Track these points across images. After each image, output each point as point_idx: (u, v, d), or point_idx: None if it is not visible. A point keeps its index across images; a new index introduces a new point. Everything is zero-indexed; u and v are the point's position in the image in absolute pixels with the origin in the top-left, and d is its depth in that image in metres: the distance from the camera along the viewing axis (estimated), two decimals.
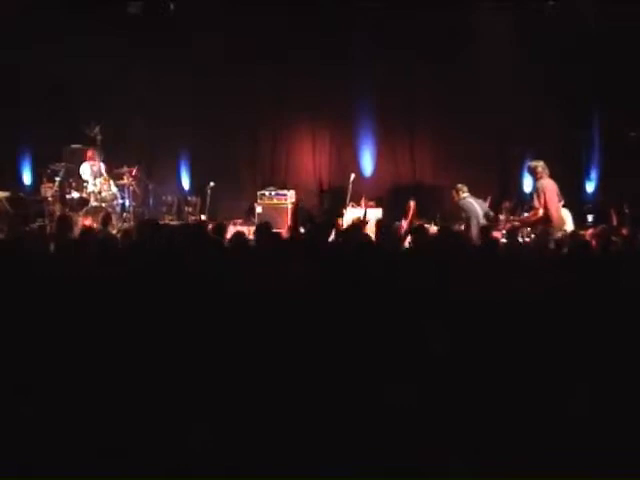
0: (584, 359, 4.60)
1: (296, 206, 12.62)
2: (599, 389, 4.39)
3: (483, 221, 11.15)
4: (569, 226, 10.93)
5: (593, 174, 14.33)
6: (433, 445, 4.08)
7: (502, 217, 12.18)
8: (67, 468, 3.88)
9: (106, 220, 10.64)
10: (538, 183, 10.66)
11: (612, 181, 13.70)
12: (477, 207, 11.51)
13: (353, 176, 13.28)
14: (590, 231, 9.66)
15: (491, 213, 11.53)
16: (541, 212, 10.46)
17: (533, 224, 10.85)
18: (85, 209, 12.85)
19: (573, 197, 12.89)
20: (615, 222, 11.64)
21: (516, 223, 11.30)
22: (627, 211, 12.25)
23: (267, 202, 14.18)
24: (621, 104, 13.29)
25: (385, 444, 4.04)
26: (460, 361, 4.65)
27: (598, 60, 13.61)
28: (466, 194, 11.62)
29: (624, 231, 10.16)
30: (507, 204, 13.36)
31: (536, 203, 10.51)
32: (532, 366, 4.58)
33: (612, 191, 13.39)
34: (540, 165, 10.74)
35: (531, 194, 11.08)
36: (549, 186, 10.62)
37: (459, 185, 11.81)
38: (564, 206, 11.18)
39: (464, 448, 4.06)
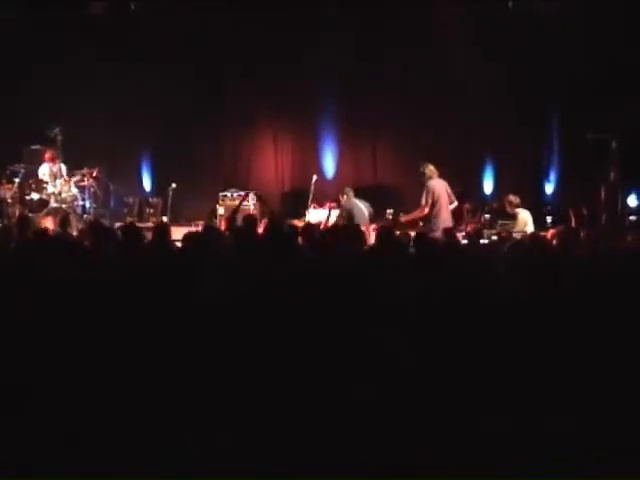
0: (547, 363, 4.56)
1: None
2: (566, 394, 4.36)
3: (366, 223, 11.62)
4: (530, 227, 11.02)
5: (552, 176, 14.49)
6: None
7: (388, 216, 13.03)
8: (67, 468, 3.89)
9: (65, 222, 10.46)
10: (427, 183, 11.17)
11: (571, 183, 13.89)
12: (364, 209, 12.08)
13: (315, 178, 13.23)
14: (551, 232, 9.65)
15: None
16: (426, 210, 11.10)
17: (418, 221, 11.52)
18: (45, 210, 12.70)
19: (533, 198, 13.24)
20: (574, 223, 12.10)
21: (404, 219, 11.92)
22: (585, 212, 12.51)
23: (229, 203, 14.08)
24: (579, 106, 13.42)
25: (381, 444, 4.06)
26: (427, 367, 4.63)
27: (557, 62, 13.76)
28: (352, 196, 12.19)
29: (583, 233, 10.30)
30: (468, 205, 13.73)
31: (423, 201, 11.10)
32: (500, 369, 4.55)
33: (571, 193, 13.63)
34: (428, 167, 11.30)
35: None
36: (438, 186, 11.19)
37: (346, 188, 12.41)
38: (527, 208, 11.43)
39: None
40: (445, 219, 11.03)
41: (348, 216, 11.72)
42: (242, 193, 13.77)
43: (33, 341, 4.73)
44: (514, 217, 11.38)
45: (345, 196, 12.26)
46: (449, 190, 11.38)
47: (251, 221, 8.37)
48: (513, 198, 11.39)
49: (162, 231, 7.59)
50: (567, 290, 5.44)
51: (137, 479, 3.85)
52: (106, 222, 11.79)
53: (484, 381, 4.43)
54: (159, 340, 4.75)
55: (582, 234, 9.56)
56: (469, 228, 10.81)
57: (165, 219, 13.86)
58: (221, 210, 14.10)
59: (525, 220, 11.22)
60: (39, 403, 4.28)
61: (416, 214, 11.48)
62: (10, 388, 4.34)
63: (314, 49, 14.52)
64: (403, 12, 14.00)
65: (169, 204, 14.02)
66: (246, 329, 4.85)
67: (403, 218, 12.02)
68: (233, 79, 14.81)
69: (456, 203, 11.58)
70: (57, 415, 4.22)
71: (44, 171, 13.27)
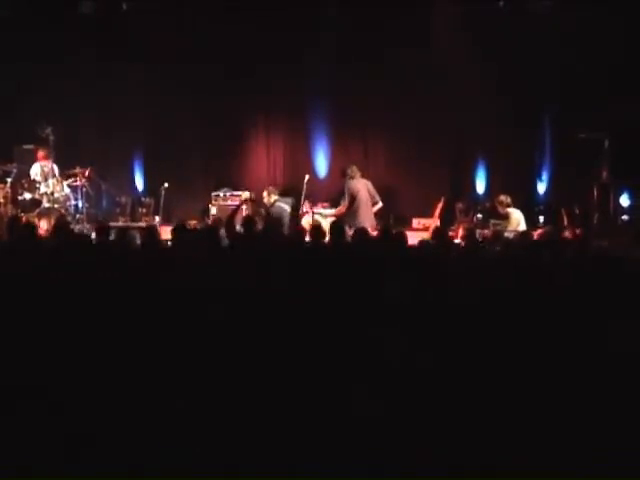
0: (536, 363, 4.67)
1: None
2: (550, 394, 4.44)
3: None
4: (522, 227, 11.09)
5: (544, 175, 14.42)
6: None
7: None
8: (67, 468, 3.93)
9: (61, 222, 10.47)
10: (348, 183, 11.94)
11: (563, 182, 13.83)
12: (287, 208, 12.52)
13: (307, 177, 13.15)
14: (539, 231, 9.94)
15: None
16: (344, 209, 11.90)
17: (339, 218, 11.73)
18: (38, 210, 12.68)
19: (525, 198, 13.22)
20: (566, 222, 12.02)
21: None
22: (577, 212, 12.49)
23: (222, 203, 14.11)
24: (571, 106, 13.41)
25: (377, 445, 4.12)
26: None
27: (549, 61, 13.72)
28: (276, 197, 12.61)
29: (577, 231, 10.40)
30: (460, 205, 13.65)
31: (342, 200, 12.00)
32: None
33: (563, 192, 13.56)
34: (351, 168, 12.12)
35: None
36: (359, 186, 11.96)
37: (270, 187, 12.87)
38: (519, 207, 11.59)
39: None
40: (364, 217, 11.67)
41: (266, 215, 12.23)
42: (236, 193, 13.95)
43: (30, 341, 4.83)
44: (506, 217, 11.46)
45: (271, 197, 12.59)
46: (372, 190, 12.09)
47: (250, 223, 8.59)
48: (504, 198, 11.51)
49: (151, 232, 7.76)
50: (556, 289, 5.56)
51: (137, 478, 3.89)
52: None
53: (474, 381, 4.51)
54: (158, 341, 4.83)
55: (574, 233, 10.05)
56: (461, 228, 10.86)
57: (157, 219, 13.84)
58: (214, 210, 14.06)
59: (518, 220, 11.33)
60: (38, 403, 4.34)
61: (336, 212, 12.26)
62: (7, 388, 4.42)
63: (308, 49, 14.46)
64: (399, 12, 13.93)
65: (161, 204, 13.92)
66: (246, 329, 4.95)
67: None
68: (226, 79, 14.65)
69: (380, 204, 12.19)
70: (57, 415, 4.28)
71: (36, 171, 13.25)
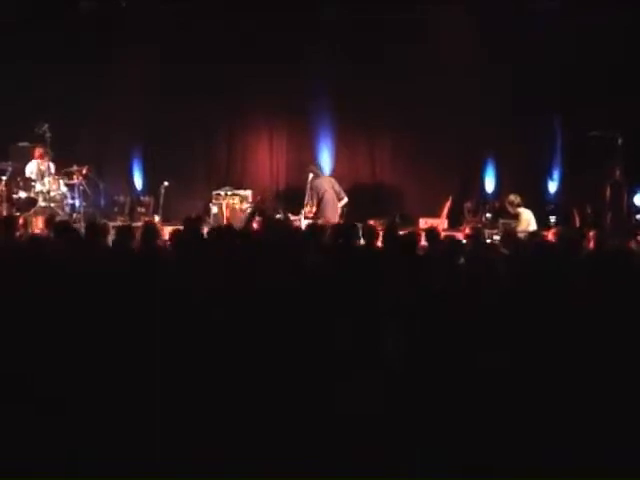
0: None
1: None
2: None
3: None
4: (533, 227, 10.93)
5: (555, 174, 14.23)
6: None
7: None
8: (66, 468, 3.99)
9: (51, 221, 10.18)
10: (313, 182, 12.27)
11: (575, 181, 13.63)
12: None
13: (311, 176, 12.91)
14: (552, 231, 9.59)
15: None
16: (313, 209, 12.20)
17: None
18: (33, 210, 12.52)
19: (535, 197, 13.07)
20: (578, 222, 12.07)
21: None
22: (590, 211, 12.35)
23: (222, 202, 13.87)
24: (583, 102, 13.16)
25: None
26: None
27: (560, 58, 13.48)
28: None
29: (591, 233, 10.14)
30: (468, 204, 13.61)
31: (309, 200, 12.26)
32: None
33: (575, 191, 13.39)
34: (313, 167, 12.61)
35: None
36: (324, 184, 12.29)
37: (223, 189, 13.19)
38: (529, 207, 11.42)
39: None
40: (332, 215, 12.02)
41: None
42: (238, 192, 13.89)
43: (20, 341, 4.87)
44: (516, 217, 11.35)
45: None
46: (337, 187, 12.42)
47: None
48: (514, 197, 11.42)
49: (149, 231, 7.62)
50: (571, 291, 5.42)
51: (137, 478, 3.94)
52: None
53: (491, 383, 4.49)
54: (156, 343, 4.84)
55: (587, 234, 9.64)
56: (467, 228, 10.67)
57: (157, 218, 13.58)
58: (214, 209, 13.84)
59: (528, 220, 11.19)
60: (37, 404, 4.39)
61: (306, 213, 12.37)
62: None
63: (311, 47, 14.36)
64: (405, 8, 13.78)
65: (161, 203, 13.67)
66: (246, 330, 4.98)
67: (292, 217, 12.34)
68: (228, 77, 14.50)
69: (346, 199, 12.47)
70: (56, 415, 4.34)
71: (31, 169, 13.10)
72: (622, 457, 3.98)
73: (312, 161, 12.87)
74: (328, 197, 12.13)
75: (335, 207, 12.22)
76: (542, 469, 3.96)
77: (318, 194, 12.10)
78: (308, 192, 12.35)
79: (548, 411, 4.28)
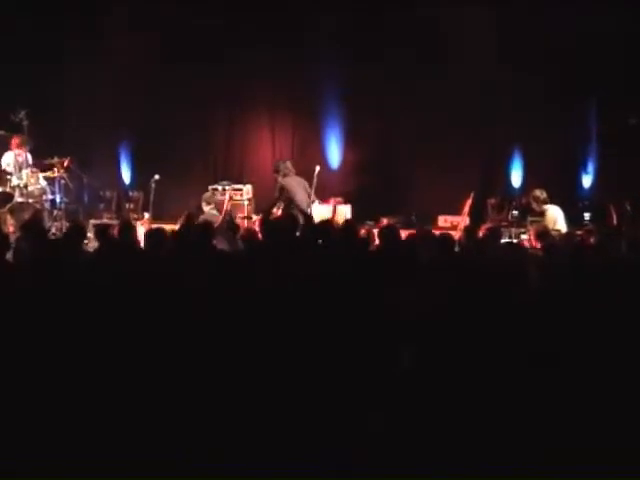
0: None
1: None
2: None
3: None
4: (561, 226, 10.62)
5: (590, 167, 13.81)
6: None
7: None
8: (66, 467, 4.03)
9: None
10: (280, 181, 11.70)
11: (611, 174, 13.20)
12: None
13: (318, 168, 12.32)
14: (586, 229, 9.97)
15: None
16: (275, 208, 11.78)
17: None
18: (9, 206, 11.66)
19: (567, 193, 12.67)
20: (615, 220, 11.74)
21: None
22: (629, 208, 11.95)
23: (220, 198, 12.89)
24: (619, 87, 12.84)
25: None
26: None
27: (593, 41, 12.92)
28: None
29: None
30: (492, 201, 13.40)
31: (278, 201, 11.81)
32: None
33: (611, 186, 12.97)
34: (282, 164, 11.90)
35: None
36: (293, 183, 11.71)
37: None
38: (560, 203, 11.04)
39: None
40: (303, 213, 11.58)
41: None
42: (237, 187, 13.39)
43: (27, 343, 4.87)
44: (542, 214, 11.03)
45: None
46: (308, 189, 11.86)
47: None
48: (539, 193, 11.03)
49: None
50: (611, 295, 5.31)
51: (137, 478, 4.01)
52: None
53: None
54: (155, 343, 4.88)
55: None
56: (483, 227, 10.37)
57: (147, 215, 13.00)
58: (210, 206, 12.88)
59: (554, 217, 10.76)
60: (37, 406, 4.43)
61: (274, 214, 11.77)
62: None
63: (315, 34, 14.00)
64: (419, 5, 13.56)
65: (151, 198, 12.84)
66: (247, 330, 5.00)
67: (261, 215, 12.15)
68: (228, 62, 14.08)
69: (314, 199, 12.05)
70: (56, 415, 4.37)
71: (8, 160, 12.18)
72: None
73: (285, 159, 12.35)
74: (300, 199, 11.60)
75: (309, 204, 11.68)
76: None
77: (285, 193, 11.61)
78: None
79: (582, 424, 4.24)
